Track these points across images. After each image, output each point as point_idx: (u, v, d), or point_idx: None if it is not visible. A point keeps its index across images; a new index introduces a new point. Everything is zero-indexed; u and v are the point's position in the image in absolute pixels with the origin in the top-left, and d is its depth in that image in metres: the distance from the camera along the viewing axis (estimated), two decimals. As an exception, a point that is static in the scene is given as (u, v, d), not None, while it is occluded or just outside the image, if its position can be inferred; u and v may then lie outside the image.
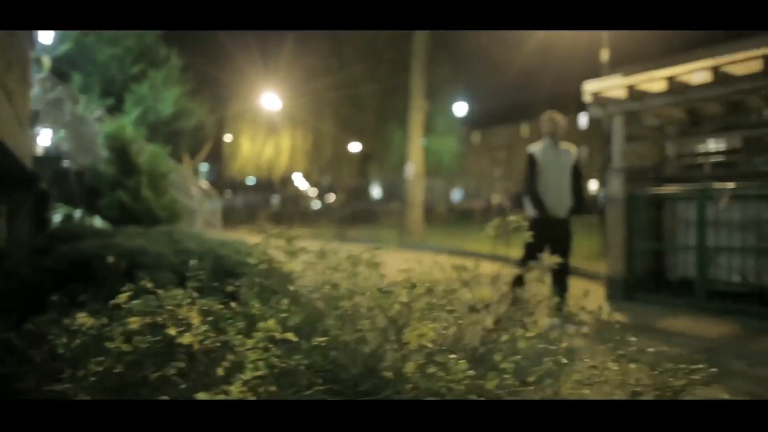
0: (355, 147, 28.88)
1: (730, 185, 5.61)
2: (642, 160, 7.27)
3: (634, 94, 5.89)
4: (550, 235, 4.94)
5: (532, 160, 5.14)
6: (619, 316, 5.59)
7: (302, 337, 1.38)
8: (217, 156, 29.52)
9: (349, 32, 19.54)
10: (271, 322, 1.24)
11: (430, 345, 1.29)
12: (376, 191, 41.99)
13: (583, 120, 36.24)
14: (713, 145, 7.19)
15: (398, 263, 2.47)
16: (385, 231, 14.56)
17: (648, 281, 6.24)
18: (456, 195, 45.07)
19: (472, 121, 51.71)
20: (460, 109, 25.48)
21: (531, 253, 4.90)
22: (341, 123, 24.84)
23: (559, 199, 5.09)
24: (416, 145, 15.13)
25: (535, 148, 5.23)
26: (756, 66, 5.02)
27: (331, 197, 27.88)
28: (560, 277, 5.05)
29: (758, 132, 6.74)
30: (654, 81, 5.70)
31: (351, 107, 23.90)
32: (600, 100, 6.23)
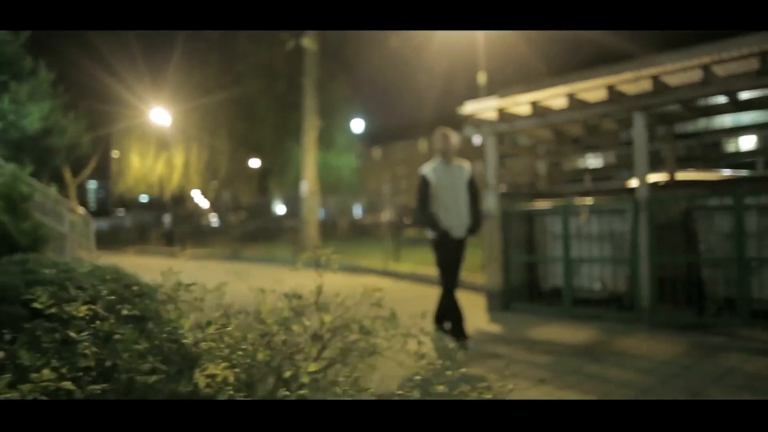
0: (255, 163, 28.27)
1: (589, 201, 6.12)
2: (516, 178, 7.74)
3: (504, 116, 6.27)
4: (451, 254, 4.93)
5: (424, 182, 4.91)
6: (494, 327, 5.88)
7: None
8: (107, 173, 27.63)
9: (241, 47, 19.20)
10: (45, 372, 1.15)
11: (231, 380, 1.26)
12: (279, 208, 41.30)
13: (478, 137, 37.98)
14: (578, 163, 7.84)
15: (243, 291, 2.42)
16: (281, 249, 14.33)
17: (524, 292, 6.62)
18: (358, 210, 45.53)
19: (373, 137, 52.76)
20: (358, 125, 25.91)
21: (446, 270, 4.96)
22: (238, 139, 24.24)
23: (456, 219, 4.89)
24: (310, 162, 15.06)
25: (427, 168, 5.00)
26: (603, 94, 5.54)
27: (231, 214, 27.02)
28: (450, 297, 4.99)
29: (616, 151, 7.45)
30: (520, 105, 6.11)
31: (248, 123, 23.42)
32: (474, 121, 6.57)
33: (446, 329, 4.96)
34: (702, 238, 5.49)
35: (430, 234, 4.98)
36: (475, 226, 5.03)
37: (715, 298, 5.44)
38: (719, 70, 5.04)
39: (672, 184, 6.71)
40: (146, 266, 2.65)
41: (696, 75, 5.05)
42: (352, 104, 23.69)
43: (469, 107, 6.44)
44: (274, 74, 20.44)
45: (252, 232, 21.46)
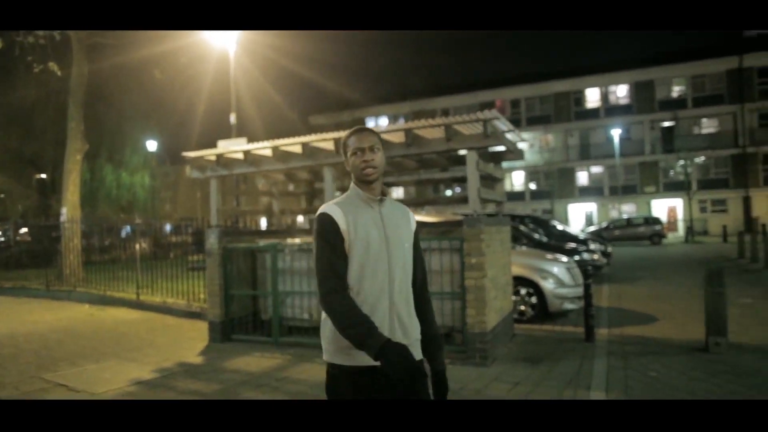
0: (37, 179, 25.43)
1: (296, 241, 6.90)
2: (254, 216, 8.29)
3: (222, 161, 6.82)
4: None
5: (328, 228, 2.00)
6: (199, 359, 6.27)
7: None
8: None
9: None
10: None
11: None
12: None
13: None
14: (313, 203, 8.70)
15: None
16: (40, 278, 13.14)
17: (248, 323, 7.16)
18: (167, 229, 43.38)
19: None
20: (153, 144, 25.03)
21: None
22: (11, 152, 21.66)
23: (398, 316, 2.04)
24: (72, 187, 14.05)
25: (331, 206, 2.06)
26: (300, 149, 6.38)
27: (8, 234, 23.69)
28: None
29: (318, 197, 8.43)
30: (236, 152, 6.71)
31: (23, 135, 21.07)
32: (200, 163, 7.03)
33: None
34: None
35: (330, 353, 2.02)
36: (432, 338, 2.19)
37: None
38: (392, 138, 6.15)
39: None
40: None
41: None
42: (149, 122, 22.69)
43: (192, 153, 6.88)
44: (53, 85, 18.73)
45: (21, 255, 19.10)
